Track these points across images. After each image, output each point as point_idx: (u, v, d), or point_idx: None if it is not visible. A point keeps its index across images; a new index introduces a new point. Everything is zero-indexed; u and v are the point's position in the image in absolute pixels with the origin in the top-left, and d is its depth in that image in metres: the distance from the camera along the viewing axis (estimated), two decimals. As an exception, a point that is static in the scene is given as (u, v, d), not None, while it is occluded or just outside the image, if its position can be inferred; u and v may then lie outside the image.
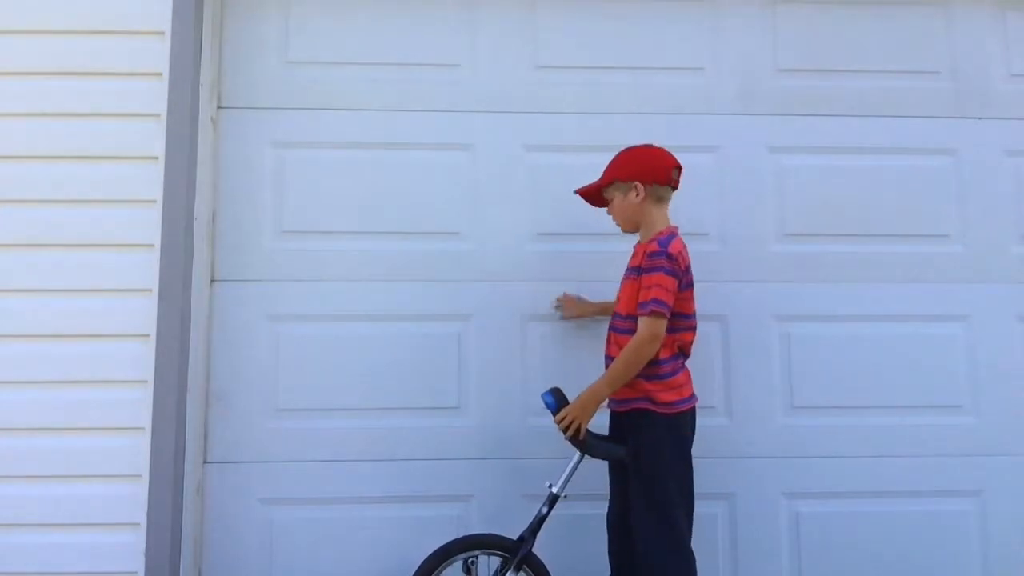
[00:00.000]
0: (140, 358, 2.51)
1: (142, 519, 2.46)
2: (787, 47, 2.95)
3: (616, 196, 2.40)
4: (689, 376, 2.36)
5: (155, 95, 2.59)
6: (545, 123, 2.85)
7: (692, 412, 2.35)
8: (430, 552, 2.38)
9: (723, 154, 2.88)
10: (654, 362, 2.26)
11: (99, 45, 2.61)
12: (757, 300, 2.82)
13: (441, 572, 2.39)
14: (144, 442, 2.48)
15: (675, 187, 2.42)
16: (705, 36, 2.94)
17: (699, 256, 2.80)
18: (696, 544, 2.68)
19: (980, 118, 2.94)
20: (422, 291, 2.76)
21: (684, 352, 2.36)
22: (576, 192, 2.49)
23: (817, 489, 2.76)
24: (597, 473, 2.44)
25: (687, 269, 2.29)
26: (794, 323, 2.82)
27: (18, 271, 2.53)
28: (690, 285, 2.31)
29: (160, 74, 2.60)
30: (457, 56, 2.88)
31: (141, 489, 2.47)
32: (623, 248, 2.72)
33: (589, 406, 2.27)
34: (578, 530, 2.61)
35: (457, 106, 2.85)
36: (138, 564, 2.45)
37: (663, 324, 2.22)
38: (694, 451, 2.70)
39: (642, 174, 2.37)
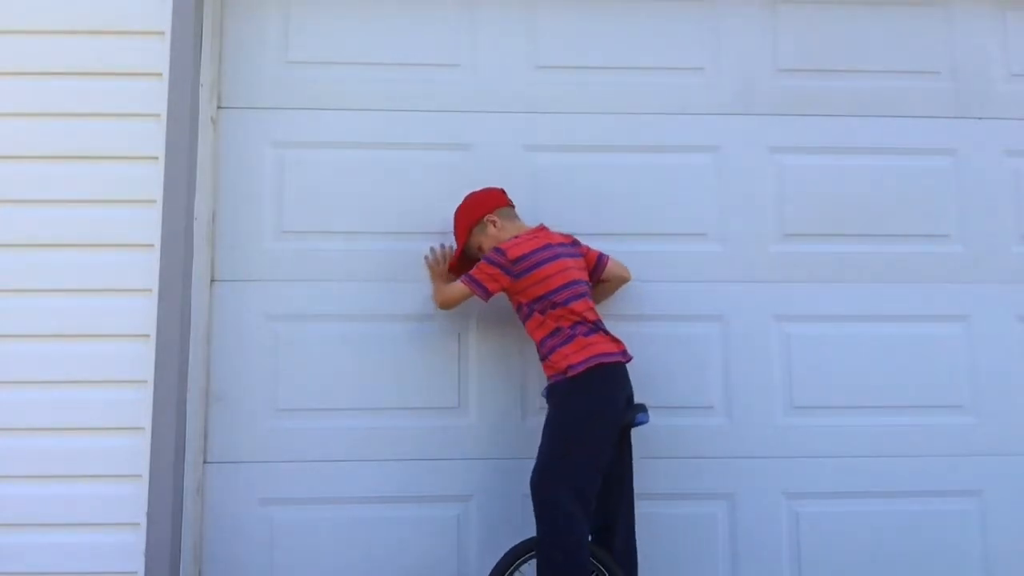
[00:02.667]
0: (140, 358, 2.51)
1: (142, 519, 2.46)
2: (787, 47, 2.95)
3: (482, 239, 2.58)
4: (583, 343, 2.38)
5: (155, 95, 2.59)
6: (545, 123, 2.86)
7: (598, 369, 2.37)
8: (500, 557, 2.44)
9: (723, 154, 2.88)
10: (538, 345, 2.47)
11: (99, 45, 2.61)
12: (757, 300, 2.82)
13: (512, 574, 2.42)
14: (144, 442, 2.48)
15: (511, 204, 2.65)
16: (705, 36, 2.94)
17: (699, 256, 2.82)
18: (696, 544, 2.70)
19: (980, 118, 2.94)
20: (422, 291, 2.76)
21: (563, 328, 2.41)
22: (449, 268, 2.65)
23: (817, 489, 2.75)
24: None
25: (519, 259, 2.43)
26: (794, 323, 2.82)
27: (18, 271, 2.53)
28: (530, 269, 2.42)
29: (160, 74, 2.60)
30: (457, 56, 2.88)
31: (141, 489, 2.47)
32: (623, 248, 2.73)
33: (432, 281, 2.66)
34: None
35: (457, 106, 2.85)
36: (138, 564, 2.45)
37: (460, 288, 2.49)
38: (692, 450, 2.72)
39: (484, 209, 2.59)
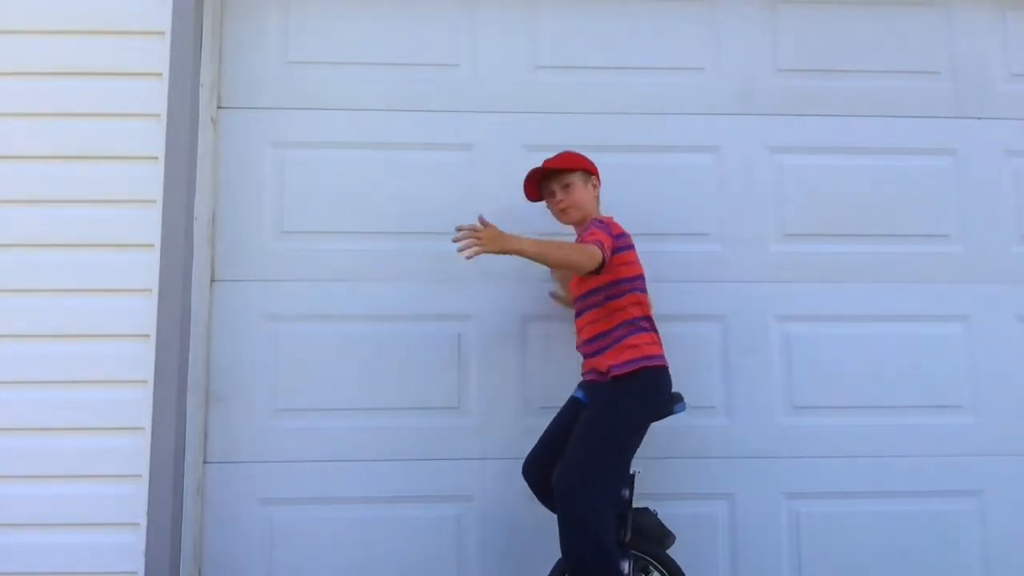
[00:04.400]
0: (140, 358, 2.51)
1: (142, 519, 2.46)
2: (787, 47, 2.95)
3: (578, 184, 2.48)
4: (632, 343, 2.33)
5: (155, 95, 2.59)
6: (545, 123, 2.85)
7: (644, 372, 2.32)
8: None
9: (723, 154, 2.88)
10: (587, 341, 2.40)
11: (99, 45, 2.61)
12: (757, 300, 2.82)
13: None
14: (144, 442, 2.48)
15: None
16: (705, 36, 2.94)
17: (699, 256, 2.82)
18: (696, 544, 2.70)
19: (980, 118, 2.94)
20: (422, 291, 2.76)
21: (628, 321, 2.36)
22: (545, 165, 2.49)
23: (817, 489, 2.76)
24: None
25: (620, 235, 2.39)
26: (794, 323, 2.82)
27: (18, 271, 2.53)
28: (624, 249, 2.39)
29: (160, 74, 2.60)
30: (457, 56, 2.88)
31: (141, 489, 2.47)
32: (623, 248, 2.72)
33: (505, 243, 2.20)
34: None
35: (457, 106, 2.85)
36: (138, 564, 2.45)
37: (598, 251, 2.24)
38: (692, 450, 2.72)
39: (596, 172, 2.54)
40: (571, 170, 2.48)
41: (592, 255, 2.23)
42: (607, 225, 2.38)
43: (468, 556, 2.68)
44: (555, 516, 2.26)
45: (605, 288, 2.38)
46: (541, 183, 2.54)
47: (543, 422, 2.70)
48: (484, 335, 2.76)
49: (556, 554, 2.58)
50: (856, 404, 2.79)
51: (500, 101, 2.86)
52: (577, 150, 2.80)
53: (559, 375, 2.71)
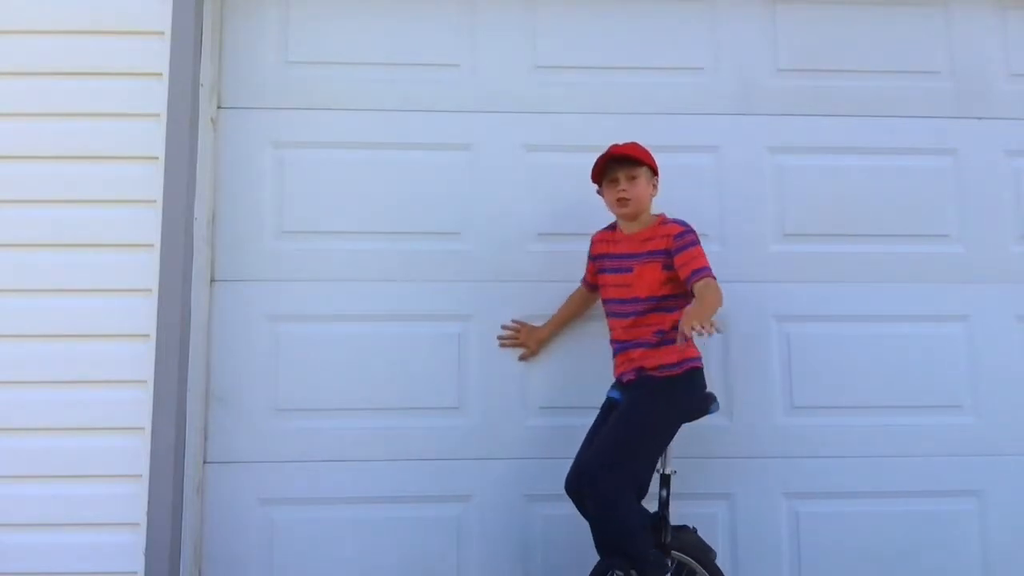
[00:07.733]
0: (140, 358, 2.51)
1: (142, 519, 2.46)
2: (787, 47, 2.95)
3: (644, 179, 2.46)
4: (676, 347, 2.33)
5: (155, 95, 2.59)
6: (545, 123, 2.85)
7: (693, 372, 2.41)
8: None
9: (723, 154, 2.88)
10: (633, 343, 2.39)
11: (99, 45, 2.61)
12: (757, 300, 2.82)
13: None
14: (144, 442, 2.48)
15: None
16: (705, 36, 2.94)
17: (699, 256, 2.82)
18: (696, 544, 2.71)
19: (980, 118, 2.94)
20: (422, 291, 2.76)
21: (676, 324, 2.34)
22: (619, 151, 2.46)
23: (817, 489, 2.75)
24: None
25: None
26: (794, 323, 2.82)
27: (19, 271, 2.52)
28: None
29: (160, 74, 2.60)
30: (457, 56, 2.88)
31: (141, 489, 2.47)
32: (623, 248, 2.72)
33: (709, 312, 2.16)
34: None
35: (457, 106, 2.85)
36: (138, 564, 2.45)
37: (717, 286, 2.29)
38: (692, 450, 2.72)
39: (658, 174, 2.52)
40: (643, 163, 2.46)
41: (720, 292, 2.27)
42: (696, 238, 2.38)
43: (468, 556, 2.68)
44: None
45: (673, 297, 2.38)
46: (606, 166, 2.49)
47: (543, 422, 2.71)
48: (484, 335, 2.76)
49: (556, 554, 2.59)
50: (856, 404, 2.79)
51: (500, 101, 2.86)
52: (576, 150, 2.81)
53: (559, 375, 2.71)
